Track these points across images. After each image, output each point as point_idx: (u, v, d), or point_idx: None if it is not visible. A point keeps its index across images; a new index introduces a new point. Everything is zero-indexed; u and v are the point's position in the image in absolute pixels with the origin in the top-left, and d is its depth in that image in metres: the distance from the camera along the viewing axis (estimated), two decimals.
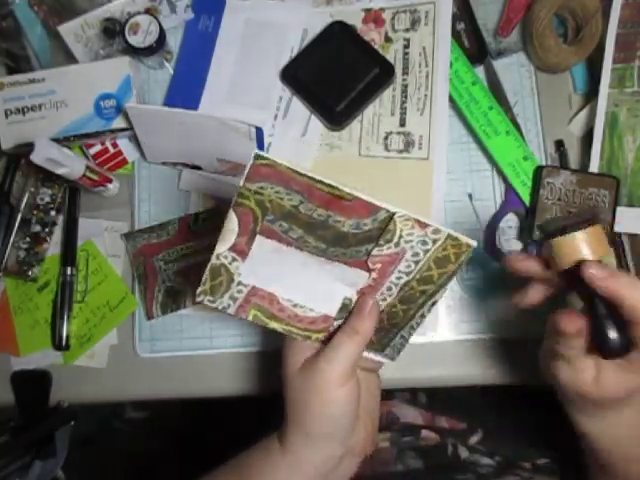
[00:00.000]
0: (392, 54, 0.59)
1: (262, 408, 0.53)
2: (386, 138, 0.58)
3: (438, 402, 0.59)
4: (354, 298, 0.39)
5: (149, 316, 0.58)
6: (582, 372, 0.35)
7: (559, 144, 0.56)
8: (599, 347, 0.33)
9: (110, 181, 0.59)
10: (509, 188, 0.55)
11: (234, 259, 0.38)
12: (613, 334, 0.32)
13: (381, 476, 0.50)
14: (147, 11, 0.59)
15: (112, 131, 0.58)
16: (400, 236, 0.37)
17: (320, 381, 0.37)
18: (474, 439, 0.54)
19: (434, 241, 0.36)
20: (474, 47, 0.57)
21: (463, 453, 0.51)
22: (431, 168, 0.56)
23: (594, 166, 0.53)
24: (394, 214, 0.37)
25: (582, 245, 0.34)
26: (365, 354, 0.40)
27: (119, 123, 0.57)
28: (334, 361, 0.37)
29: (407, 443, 0.53)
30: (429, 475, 0.49)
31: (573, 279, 0.34)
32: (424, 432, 0.53)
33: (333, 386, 0.37)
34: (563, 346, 0.35)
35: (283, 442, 0.39)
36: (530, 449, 0.55)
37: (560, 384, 0.37)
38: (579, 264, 0.34)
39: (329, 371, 0.37)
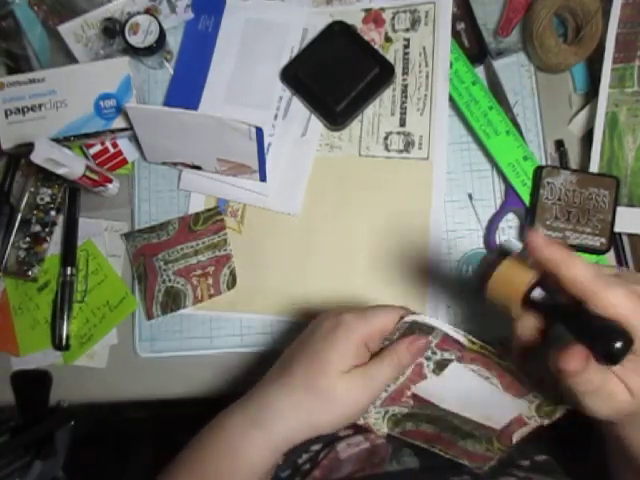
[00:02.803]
0: (392, 54, 0.59)
1: None
2: (386, 138, 0.58)
3: None
4: None
5: (149, 316, 0.58)
6: (614, 394, 0.32)
7: (559, 144, 0.56)
8: (603, 360, 0.30)
9: (110, 181, 0.59)
10: (509, 188, 0.55)
11: None
12: (606, 341, 0.30)
13: (376, 477, 0.50)
14: (147, 11, 0.59)
15: (112, 131, 0.58)
16: None
17: (360, 399, 0.39)
18: None
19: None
20: (474, 47, 0.57)
21: None
22: (431, 168, 0.57)
23: (594, 166, 0.53)
24: None
25: (515, 269, 0.33)
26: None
27: (119, 123, 0.57)
28: (374, 388, 0.40)
29: (403, 441, 0.53)
30: (424, 475, 0.49)
31: (533, 305, 0.33)
32: None
33: (363, 409, 0.40)
34: (582, 385, 0.32)
35: (268, 423, 0.40)
36: (528, 446, 0.54)
37: (600, 417, 0.34)
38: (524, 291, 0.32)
39: (367, 399, 0.40)
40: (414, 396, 0.43)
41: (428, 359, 0.41)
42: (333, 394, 0.39)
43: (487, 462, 0.46)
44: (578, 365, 0.30)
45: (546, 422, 0.43)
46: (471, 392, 0.42)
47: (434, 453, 0.51)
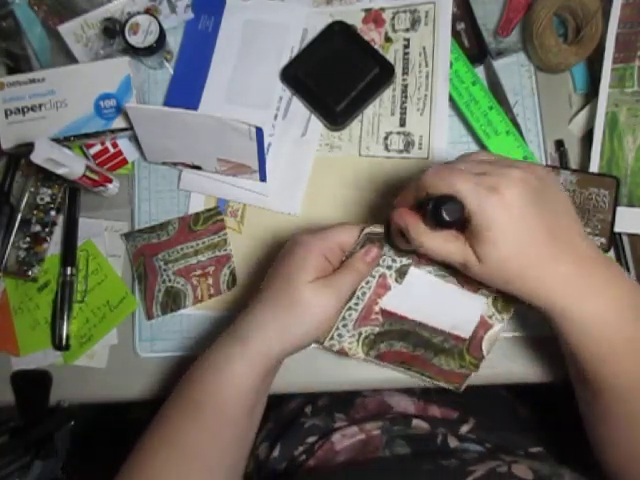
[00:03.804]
0: (392, 54, 0.59)
1: None
2: (386, 138, 0.58)
3: (431, 391, 0.59)
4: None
5: (149, 316, 0.58)
6: (468, 262, 0.38)
7: (559, 144, 0.56)
8: (438, 221, 0.36)
9: (110, 181, 0.59)
10: None
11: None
12: (443, 208, 0.35)
13: (367, 462, 0.51)
14: (147, 11, 0.59)
15: (112, 131, 0.58)
16: None
17: (326, 305, 0.43)
18: (465, 428, 0.54)
19: None
20: (474, 47, 0.57)
21: (452, 442, 0.51)
22: None
23: (594, 166, 0.53)
24: None
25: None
26: None
27: (119, 123, 0.57)
28: (338, 294, 0.43)
29: (397, 432, 0.53)
30: (414, 460, 0.49)
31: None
32: (415, 421, 0.53)
33: (333, 315, 0.44)
34: (431, 249, 0.39)
35: (246, 337, 0.44)
36: (522, 438, 0.55)
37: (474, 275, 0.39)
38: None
39: (333, 306, 0.43)
40: (383, 311, 0.47)
41: (389, 268, 0.47)
42: (299, 302, 0.42)
43: (463, 380, 0.47)
44: (408, 219, 0.39)
45: (506, 318, 0.46)
46: (433, 296, 0.46)
47: (427, 443, 0.51)
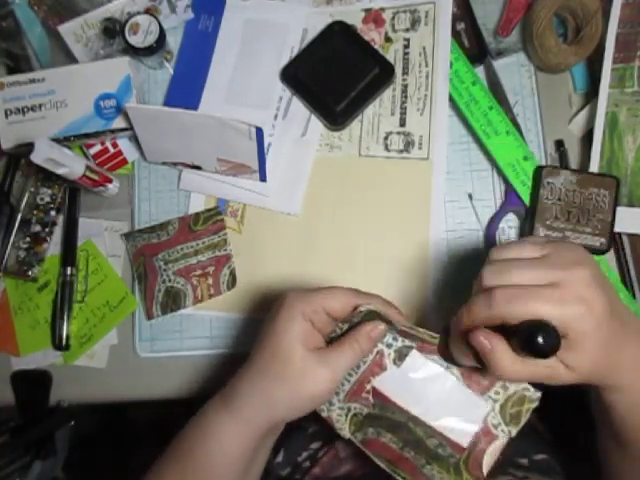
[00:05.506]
0: (392, 54, 0.59)
1: None
2: (386, 138, 0.58)
3: None
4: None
5: (149, 316, 0.58)
6: (557, 374, 0.35)
7: (559, 144, 0.56)
8: (532, 352, 0.32)
9: (110, 181, 0.59)
10: (509, 188, 0.55)
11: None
12: (540, 339, 0.31)
13: (370, 475, 0.50)
14: (147, 11, 0.59)
15: (112, 131, 0.58)
16: None
17: (319, 382, 0.39)
18: None
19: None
20: (474, 47, 0.57)
21: None
22: (431, 168, 0.57)
23: (594, 166, 0.53)
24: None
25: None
26: None
27: (119, 123, 0.57)
28: (334, 376, 0.39)
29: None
30: None
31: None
32: None
33: (328, 393, 0.40)
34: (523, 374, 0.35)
35: (236, 406, 0.41)
36: (527, 444, 0.54)
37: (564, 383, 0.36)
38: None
39: (328, 389, 0.39)
40: (374, 391, 0.43)
41: (389, 346, 0.42)
42: (291, 377, 0.39)
43: None
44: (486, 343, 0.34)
45: (513, 432, 0.41)
46: (432, 388, 0.42)
47: None
